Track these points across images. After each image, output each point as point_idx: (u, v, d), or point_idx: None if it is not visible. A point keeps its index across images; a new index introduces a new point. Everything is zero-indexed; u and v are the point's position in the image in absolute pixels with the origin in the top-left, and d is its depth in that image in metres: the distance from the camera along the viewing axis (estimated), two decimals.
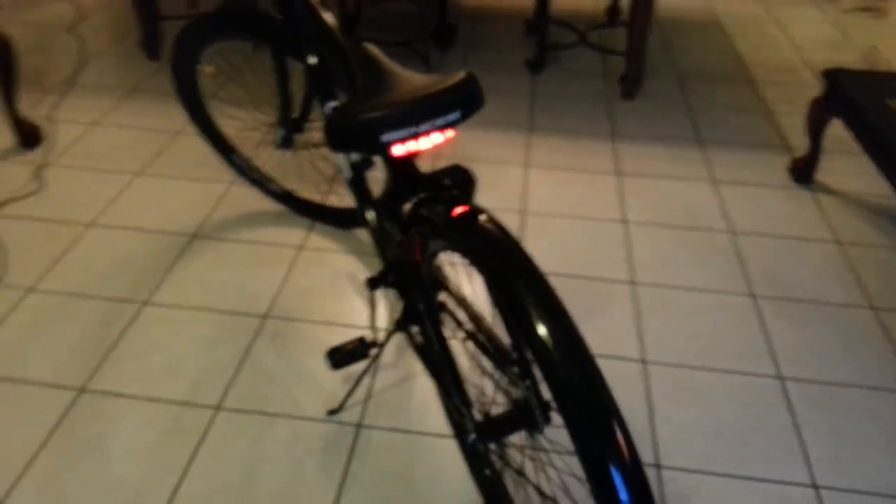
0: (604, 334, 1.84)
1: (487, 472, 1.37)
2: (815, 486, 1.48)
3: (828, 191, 2.39)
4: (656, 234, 2.19)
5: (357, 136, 1.11)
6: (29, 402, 1.61)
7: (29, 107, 2.72)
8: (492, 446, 1.33)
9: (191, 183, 2.35)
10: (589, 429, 0.87)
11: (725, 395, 1.68)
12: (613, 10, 3.63)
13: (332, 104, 1.57)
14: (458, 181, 1.31)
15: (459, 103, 1.13)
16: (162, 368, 1.70)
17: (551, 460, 1.48)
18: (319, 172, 2.38)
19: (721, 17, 3.74)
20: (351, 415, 1.60)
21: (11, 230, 2.13)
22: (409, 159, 1.28)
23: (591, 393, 0.89)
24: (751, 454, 1.55)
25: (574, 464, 1.35)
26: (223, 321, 1.84)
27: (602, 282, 2.01)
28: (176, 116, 2.69)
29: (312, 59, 1.63)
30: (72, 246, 2.08)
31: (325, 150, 2.40)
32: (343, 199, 2.29)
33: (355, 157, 1.55)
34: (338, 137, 1.13)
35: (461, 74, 1.16)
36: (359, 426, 1.58)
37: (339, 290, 1.94)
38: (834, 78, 2.26)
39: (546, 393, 0.96)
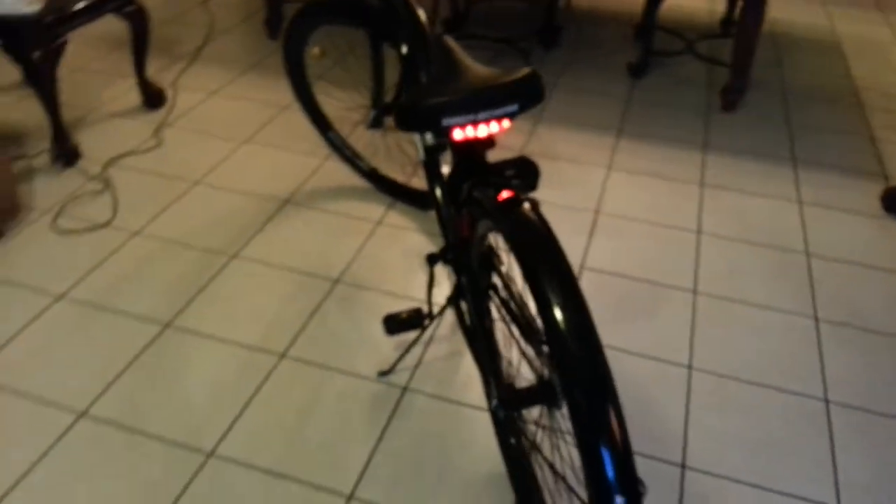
0: (655, 336, 1.87)
1: (512, 440, 1.45)
2: None
3: None
4: (728, 247, 2.19)
5: (421, 118, 1.21)
6: (121, 330, 1.82)
7: (157, 72, 2.99)
8: (515, 417, 1.41)
9: (290, 154, 2.54)
10: (586, 409, 0.94)
11: (766, 411, 1.68)
12: (728, 21, 3.58)
13: None
14: (521, 171, 1.39)
15: (518, 96, 1.21)
16: (240, 315, 1.88)
17: (566, 440, 1.54)
18: (406, 155, 2.51)
19: (842, 37, 3.61)
20: (399, 378, 1.72)
21: (127, 180, 2.37)
22: (471, 144, 1.37)
23: (593, 376, 0.96)
24: (780, 469, 1.55)
25: None
26: (300, 280, 2.00)
27: (663, 287, 2.03)
28: (285, 92, 2.90)
29: (404, 48, 1.74)
30: (177, 199, 2.30)
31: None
32: (424, 181, 2.41)
33: (429, 140, 1.66)
34: (405, 118, 1.24)
35: (525, 70, 1.24)
36: (405, 389, 1.70)
37: (408, 265, 2.06)
38: None
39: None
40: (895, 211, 2.34)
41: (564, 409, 1.18)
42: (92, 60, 3.09)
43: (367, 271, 2.04)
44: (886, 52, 3.47)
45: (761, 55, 3.41)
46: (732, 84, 2.88)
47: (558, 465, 1.48)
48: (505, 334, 1.68)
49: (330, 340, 1.82)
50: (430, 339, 1.83)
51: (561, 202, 2.36)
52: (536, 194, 2.34)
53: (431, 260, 1.59)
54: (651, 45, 3.13)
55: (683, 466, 1.55)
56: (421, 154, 1.68)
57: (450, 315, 1.89)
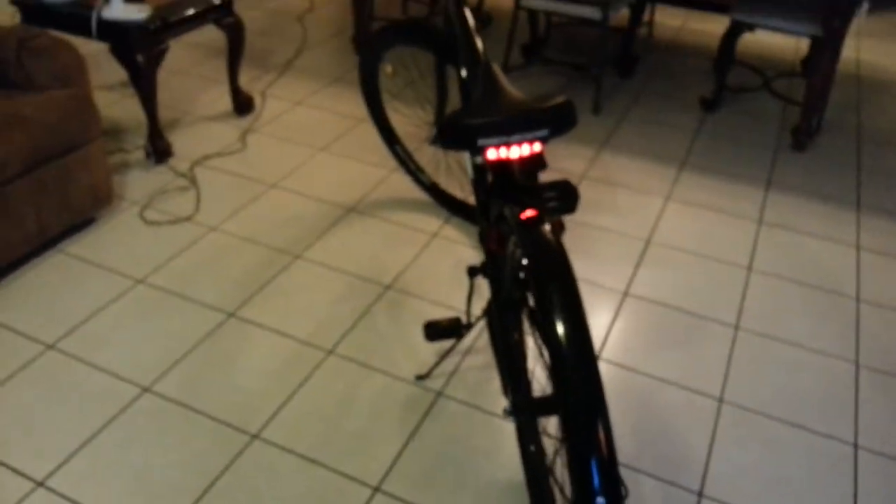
0: (689, 366, 1.90)
1: (532, 448, 1.52)
2: None
3: None
4: (777, 286, 2.19)
5: (459, 137, 1.31)
6: (190, 315, 2.00)
7: (249, 80, 3.21)
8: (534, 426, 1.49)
9: (360, 164, 2.69)
10: (576, 421, 1.02)
11: (793, 450, 1.69)
12: (809, 61, 3.54)
13: None
14: (560, 194, 1.46)
15: (550, 122, 1.29)
16: (296, 311, 2.02)
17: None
18: (464, 171, 2.62)
19: None
20: (435, 383, 1.82)
21: (211, 179, 2.57)
22: (506, 163, 1.45)
23: (586, 392, 1.03)
24: None
25: None
26: (354, 283, 2.13)
27: (705, 319, 2.06)
28: (362, 106, 3.06)
29: (463, 71, 1.86)
30: (253, 200, 2.48)
31: None
32: None
33: (478, 159, 1.76)
34: (445, 136, 1.34)
35: (560, 99, 1.33)
36: (439, 394, 1.80)
37: (457, 277, 2.16)
38: None
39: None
40: None
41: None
42: (190, 66, 3.34)
43: (417, 280, 2.15)
44: None
45: (841, 97, 3.36)
46: (803, 124, 2.86)
47: (558, 473, 1.54)
48: (532, 348, 1.76)
49: (375, 341, 1.94)
50: (469, 349, 1.92)
51: (614, 228, 2.41)
52: (592, 218, 2.42)
53: (472, 273, 1.69)
54: (725, 79, 3.14)
55: (700, 495, 1.59)
56: (470, 172, 1.79)
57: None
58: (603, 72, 3.19)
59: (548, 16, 3.53)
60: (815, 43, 3.49)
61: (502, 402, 1.78)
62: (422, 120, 2.56)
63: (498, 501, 1.56)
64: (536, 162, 1.50)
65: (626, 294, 2.15)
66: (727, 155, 2.86)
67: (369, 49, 2.29)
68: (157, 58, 2.53)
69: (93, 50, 2.41)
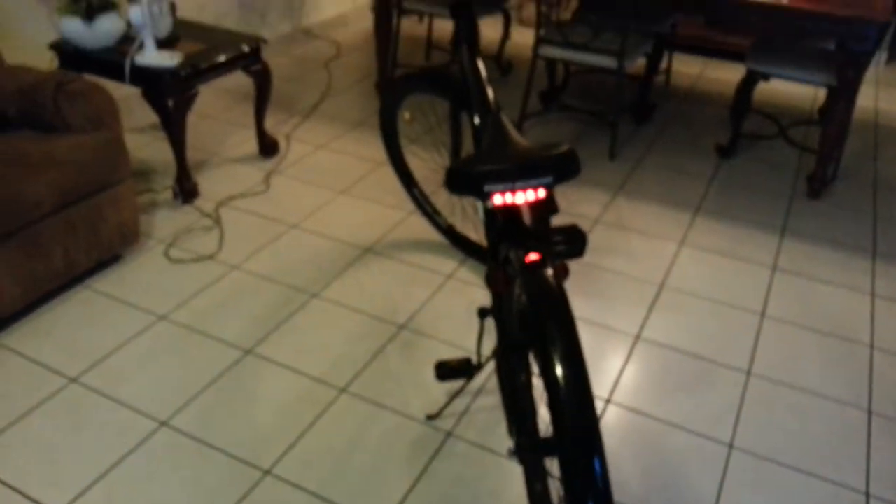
0: (700, 412, 1.91)
1: (538, 488, 1.53)
2: None
3: None
4: (790, 333, 2.20)
5: (467, 183, 1.36)
6: (208, 352, 2.05)
7: (274, 124, 3.31)
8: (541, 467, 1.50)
9: (378, 206, 2.75)
10: (572, 462, 1.04)
11: (803, 497, 1.68)
12: (827, 109, 3.57)
13: None
14: (568, 238, 1.49)
15: (553, 170, 1.34)
16: (312, 349, 2.07)
17: None
18: (479, 214, 2.67)
19: None
20: (445, 423, 1.85)
21: (235, 219, 2.65)
22: (513, 208, 1.50)
23: (583, 433, 1.06)
24: None
25: None
26: (368, 323, 2.17)
27: (717, 365, 2.07)
28: (383, 150, 3.13)
29: (476, 119, 1.92)
30: (275, 240, 2.54)
31: None
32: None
33: (487, 203, 1.81)
34: (454, 182, 1.39)
35: (564, 147, 1.37)
36: (448, 434, 1.82)
37: (470, 318, 2.20)
38: None
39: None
40: None
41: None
42: (219, 110, 3.46)
43: (431, 320, 2.19)
44: None
45: (857, 145, 3.39)
46: (818, 172, 2.88)
47: None
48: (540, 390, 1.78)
49: (387, 381, 1.97)
50: (480, 389, 1.95)
51: (628, 272, 2.44)
52: (606, 261, 2.45)
53: (482, 314, 1.73)
54: (741, 126, 3.18)
55: None
56: (481, 215, 1.83)
57: None
58: (619, 118, 3.25)
59: (565, 64, 3.61)
60: (831, 92, 3.53)
61: (509, 443, 1.79)
62: (438, 164, 2.63)
63: None
64: (545, 207, 1.54)
65: (638, 338, 2.16)
66: (742, 201, 2.88)
67: (389, 96, 2.37)
68: (187, 102, 2.63)
69: (126, 94, 2.52)
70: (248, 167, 2.99)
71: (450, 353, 2.07)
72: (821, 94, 3.83)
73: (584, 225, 2.69)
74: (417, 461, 1.74)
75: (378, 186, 2.89)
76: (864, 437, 1.84)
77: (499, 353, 1.62)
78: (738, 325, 2.22)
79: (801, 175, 3.08)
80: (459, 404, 1.90)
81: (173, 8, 2.88)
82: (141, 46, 2.56)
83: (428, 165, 2.74)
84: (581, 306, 2.27)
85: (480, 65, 1.85)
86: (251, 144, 3.13)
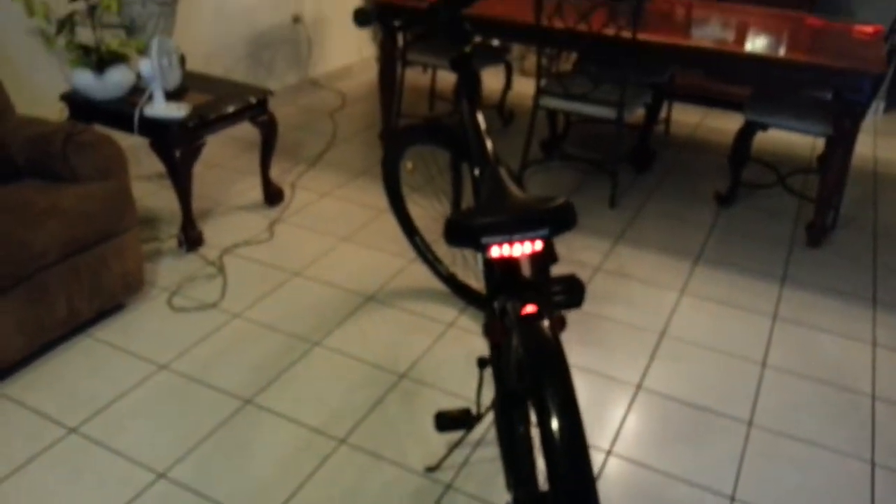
0: (701, 463, 1.89)
1: None
2: None
3: None
4: (791, 383, 2.19)
5: (465, 235, 1.38)
6: (208, 402, 2.05)
7: (280, 173, 3.36)
8: None
9: (380, 254, 2.78)
10: None
11: None
12: (825, 158, 3.61)
13: None
14: (567, 288, 1.51)
15: (550, 222, 1.36)
16: (311, 399, 2.07)
17: None
18: (479, 264, 2.68)
19: None
20: (444, 475, 1.84)
21: (238, 266, 2.67)
22: (510, 260, 1.51)
23: (577, 487, 1.06)
24: None
25: None
26: (369, 371, 2.17)
27: (718, 415, 2.06)
28: (385, 199, 3.17)
29: (476, 170, 1.95)
30: (277, 288, 2.56)
31: None
32: None
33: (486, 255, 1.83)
34: (450, 234, 1.41)
35: (560, 200, 1.39)
36: (448, 486, 1.81)
37: (470, 367, 2.20)
38: None
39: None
40: None
41: None
42: (225, 159, 3.51)
43: (431, 369, 2.19)
44: None
45: (857, 194, 3.41)
46: (818, 220, 2.90)
47: None
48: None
49: (387, 431, 1.96)
50: (480, 440, 1.94)
51: (628, 320, 2.44)
52: (606, 310, 2.45)
53: (482, 364, 1.73)
54: (740, 175, 3.21)
55: None
56: (480, 266, 1.85)
57: None
58: (619, 167, 3.29)
59: (566, 114, 3.67)
60: (829, 141, 3.57)
61: (507, 497, 1.78)
62: (439, 213, 2.66)
63: None
64: (543, 258, 1.56)
65: (639, 387, 2.16)
66: (742, 250, 2.90)
67: (391, 146, 2.41)
68: (194, 153, 2.68)
69: (134, 143, 2.57)
70: (253, 215, 3.03)
71: (450, 403, 2.07)
72: (819, 142, 3.87)
73: (584, 273, 2.70)
74: None
75: (380, 234, 2.91)
76: (868, 489, 1.82)
77: (496, 405, 1.62)
78: (739, 375, 2.22)
79: (801, 223, 3.10)
80: (459, 455, 1.89)
81: (183, 60, 2.95)
82: (150, 98, 2.62)
83: (429, 214, 2.77)
84: (582, 355, 2.28)
85: (480, 118, 1.88)
86: (256, 193, 3.17)
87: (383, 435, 1.95)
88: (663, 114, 3.95)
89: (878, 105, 4.40)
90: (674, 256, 2.84)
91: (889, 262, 2.84)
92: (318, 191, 3.26)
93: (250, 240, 2.85)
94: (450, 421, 1.77)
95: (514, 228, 1.34)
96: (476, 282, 2.56)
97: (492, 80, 4.49)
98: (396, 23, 2.02)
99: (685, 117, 4.30)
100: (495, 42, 4.02)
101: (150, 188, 3.15)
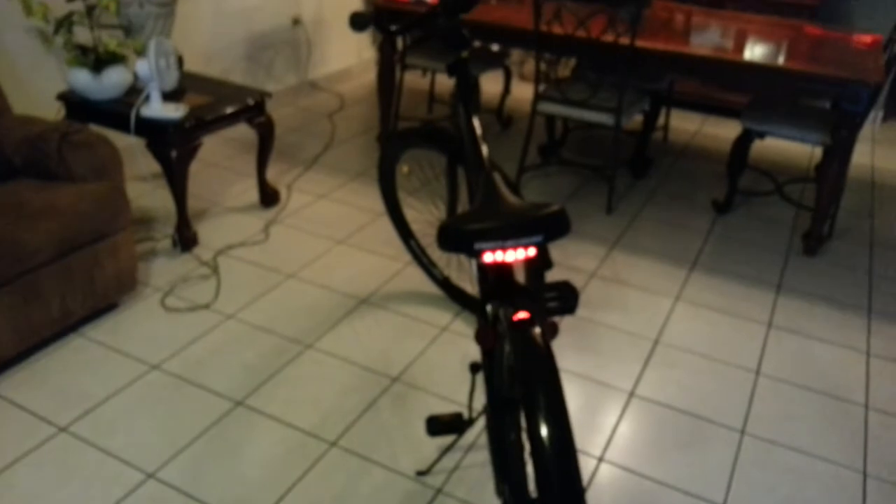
0: (693, 471, 1.89)
1: None
2: None
3: None
4: (785, 391, 2.18)
5: (457, 240, 1.37)
6: (199, 403, 2.04)
7: (277, 174, 3.36)
8: None
9: (376, 257, 2.77)
10: None
11: None
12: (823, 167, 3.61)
13: None
14: (560, 295, 1.50)
15: (543, 229, 1.35)
16: (303, 401, 2.06)
17: None
18: (473, 269, 2.68)
19: None
20: (435, 479, 1.83)
21: (232, 268, 2.67)
22: (503, 266, 1.51)
23: (566, 494, 1.06)
24: None
25: None
26: (361, 375, 2.17)
27: (710, 423, 2.05)
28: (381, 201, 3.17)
29: (471, 175, 1.94)
30: (271, 289, 2.56)
31: None
32: None
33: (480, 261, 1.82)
34: (443, 239, 1.40)
35: (555, 207, 1.39)
36: (438, 491, 1.80)
37: (463, 372, 2.19)
38: None
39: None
40: None
41: None
42: (222, 159, 3.51)
43: (424, 373, 2.18)
44: None
45: (854, 203, 3.41)
46: (814, 229, 2.90)
47: None
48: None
49: (378, 434, 1.96)
50: (471, 445, 1.93)
51: (622, 326, 2.44)
52: (600, 316, 2.45)
53: (474, 369, 1.72)
54: (737, 183, 3.21)
55: None
56: (474, 272, 1.85)
57: None
58: (617, 173, 3.29)
59: (564, 120, 3.67)
60: (827, 150, 3.57)
61: (497, 503, 1.77)
62: (435, 217, 2.66)
63: None
64: (537, 264, 1.55)
65: (632, 394, 2.15)
66: (738, 257, 2.89)
67: (387, 150, 2.40)
68: (190, 154, 2.68)
69: (130, 143, 2.56)
70: (249, 217, 3.03)
71: (442, 407, 2.06)
72: (817, 151, 3.87)
73: (579, 278, 2.70)
74: None
75: (376, 237, 2.91)
76: (860, 500, 1.82)
77: (488, 411, 1.61)
78: (733, 383, 2.21)
79: (797, 232, 3.10)
80: (450, 460, 1.88)
81: (181, 61, 2.95)
82: (147, 98, 2.62)
83: (425, 218, 2.77)
84: (575, 361, 2.27)
85: (476, 123, 1.88)
86: (252, 194, 3.17)
87: (374, 438, 1.95)
88: (661, 120, 3.95)
89: (875, 114, 4.40)
90: (670, 263, 2.83)
91: (885, 271, 2.84)
92: (315, 193, 3.25)
93: (245, 241, 2.85)
94: (441, 426, 1.77)
95: (507, 234, 1.33)
96: (471, 286, 2.56)
97: (491, 84, 4.49)
98: (393, 27, 2.02)
99: (683, 124, 4.30)
100: (494, 47, 4.03)
101: (145, 188, 3.15)
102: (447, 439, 1.94)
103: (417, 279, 2.64)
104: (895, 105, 4.38)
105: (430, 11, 1.95)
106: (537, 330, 1.27)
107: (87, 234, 2.21)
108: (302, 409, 2.03)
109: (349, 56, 4.74)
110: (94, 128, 2.47)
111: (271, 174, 3.23)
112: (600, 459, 1.92)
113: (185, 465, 1.84)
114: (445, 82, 4.53)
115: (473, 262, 1.84)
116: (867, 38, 3.13)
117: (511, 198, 1.49)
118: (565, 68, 4.51)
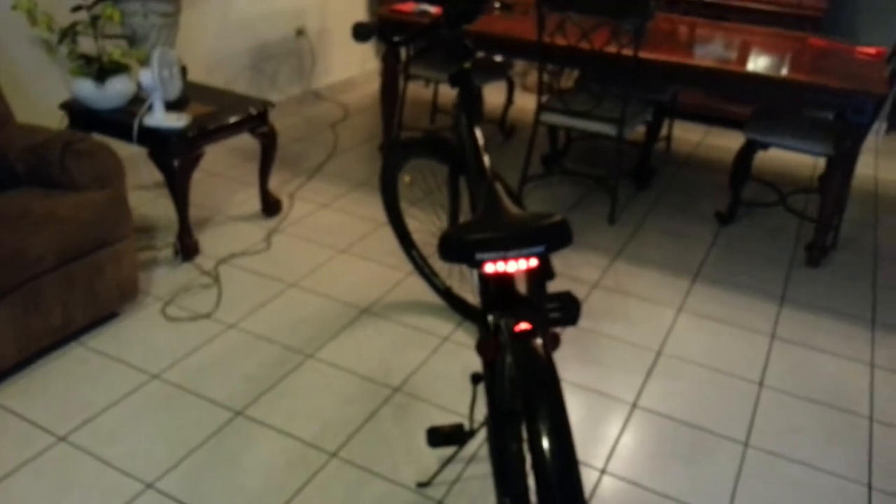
0: (696, 484, 1.87)
1: None
2: None
3: None
4: (788, 403, 2.17)
5: (459, 251, 1.37)
6: (199, 413, 2.03)
7: (279, 183, 3.36)
8: None
9: (378, 266, 2.77)
10: None
11: None
12: (826, 178, 3.60)
13: None
14: (562, 305, 1.49)
15: (545, 240, 1.34)
16: (303, 411, 2.05)
17: None
18: (474, 279, 2.67)
19: None
20: (436, 491, 1.81)
21: (234, 277, 2.66)
22: (505, 277, 1.50)
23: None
24: None
25: None
26: (362, 385, 2.16)
27: (714, 435, 2.04)
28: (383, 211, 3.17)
29: (473, 186, 1.94)
30: (272, 299, 2.55)
31: None
32: None
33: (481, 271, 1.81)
34: (445, 250, 1.40)
35: (556, 217, 1.38)
36: (439, 503, 1.78)
37: (465, 382, 2.18)
38: None
39: None
40: None
41: None
42: (225, 168, 3.51)
43: (425, 383, 2.17)
44: None
45: (858, 214, 3.40)
46: (818, 240, 2.89)
47: None
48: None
49: (379, 445, 1.94)
50: (472, 456, 1.92)
51: (625, 337, 2.42)
52: (603, 326, 2.43)
53: (475, 379, 1.71)
54: (740, 194, 3.20)
55: None
56: (475, 282, 1.84)
57: None
58: (620, 183, 3.28)
59: (567, 130, 3.67)
60: (830, 161, 3.57)
61: None
62: (437, 227, 2.66)
63: None
64: (539, 274, 1.54)
65: (634, 406, 2.14)
66: (741, 268, 2.88)
67: (389, 160, 2.40)
68: (192, 163, 2.68)
69: (133, 152, 2.57)
70: (250, 226, 3.02)
71: (443, 418, 2.05)
72: (821, 162, 3.87)
73: (582, 289, 2.69)
74: None
75: (378, 247, 2.90)
76: None
77: (489, 422, 1.60)
78: (736, 395, 2.20)
79: (801, 243, 3.09)
80: (451, 472, 1.87)
81: (184, 71, 2.96)
82: (150, 108, 2.62)
83: (427, 228, 2.76)
84: (577, 372, 2.26)
85: (478, 133, 1.88)
86: (254, 203, 3.17)
87: (375, 449, 1.93)
88: (665, 131, 3.95)
89: (879, 126, 4.40)
90: (672, 274, 2.82)
91: (888, 283, 2.82)
92: (317, 202, 3.25)
93: (247, 250, 2.85)
94: (442, 437, 1.75)
95: (509, 245, 1.33)
96: (472, 296, 2.55)
97: (494, 95, 4.49)
98: (396, 38, 2.02)
99: (687, 135, 4.30)
100: (497, 58, 4.03)
101: (147, 197, 3.15)
102: (448, 451, 1.93)
103: (419, 289, 2.63)
104: None
105: (433, 22, 1.95)
106: (539, 341, 1.26)
107: (89, 243, 2.21)
108: (302, 419, 2.02)
109: (352, 66, 4.75)
110: (97, 137, 2.47)
111: (273, 183, 3.23)
112: (603, 471, 1.90)
113: (184, 475, 1.83)
114: (448, 93, 4.53)
115: (475, 273, 1.83)
116: (871, 50, 3.13)
117: (513, 208, 1.49)
118: (568, 79, 4.52)
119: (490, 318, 1.54)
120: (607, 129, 3.08)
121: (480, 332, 1.74)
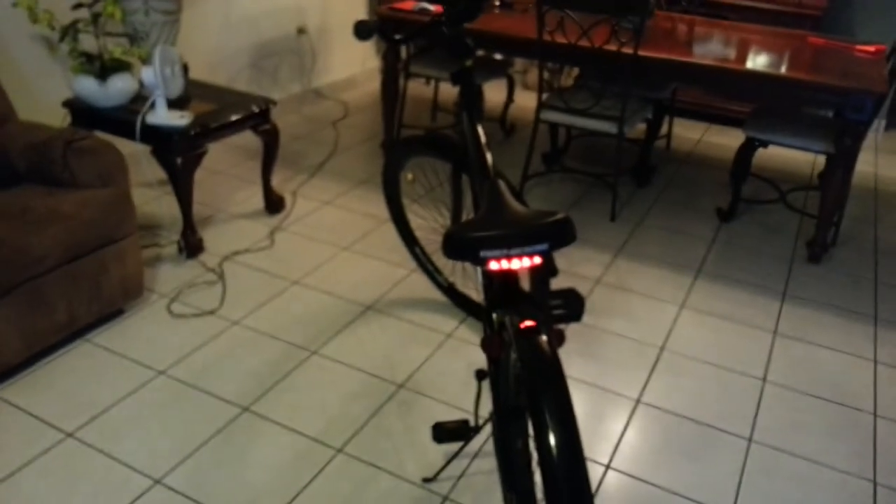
0: (701, 479, 1.88)
1: None
2: None
3: None
4: (792, 399, 2.18)
5: (463, 249, 1.37)
6: (205, 409, 2.04)
7: (281, 181, 3.36)
8: None
9: (381, 263, 2.77)
10: None
11: None
12: (826, 175, 3.61)
13: None
14: (566, 302, 1.50)
15: (549, 237, 1.35)
16: (309, 408, 2.06)
17: None
18: (478, 276, 2.68)
19: None
20: (441, 487, 1.82)
21: (238, 274, 2.67)
22: (509, 274, 1.50)
23: (577, 503, 1.06)
24: None
25: None
26: (367, 381, 2.16)
27: (718, 431, 2.05)
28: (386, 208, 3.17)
29: (476, 183, 1.95)
30: (276, 296, 2.55)
31: None
32: None
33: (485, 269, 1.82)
34: (449, 247, 1.40)
35: (560, 215, 1.39)
36: (445, 498, 1.79)
37: (469, 378, 2.19)
38: None
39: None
40: None
41: None
42: (227, 166, 3.52)
43: (430, 380, 2.18)
44: None
45: (858, 211, 3.41)
46: (818, 237, 2.90)
47: None
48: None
49: (384, 441, 1.95)
50: (478, 452, 1.93)
51: (628, 334, 2.43)
52: (606, 323, 2.45)
53: (480, 376, 1.72)
54: (741, 191, 3.21)
55: None
56: (479, 279, 1.85)
57: None
58: (620, 181, 3.29)
59: (567, 128, 3.68)
60: (830, 158, 3.58)
61: None
62: (440, 224, 2.66)
63: None
64: (542, 272, 1.55)
65: (638, 401, 2.15)
66: (742, 265, 2.90)
67: (392, 157, 2.41)
68: (195, 161, 2.68)
69: (136, 149, 2.57)
70: (254, 223, 3.03)
71: (448, 414, 2.06)
72: (821, 159, 3.88)
73: (584, 286, 2.70)
74: None
75: (381, 244, 2.91)
76: None
77: (494, 419, 1.61)
78: (740, 390, 2.21)
79: (801, 239, 3.10)
80: (456, 467, 1.88)
81: (186, 69, 2.96)
82: (152, 106, 2.62)
83: (430, 225, 2.77)
84: (581, 368, 2.27)
85: (480, 131, 1.88)
86: (257, 200, 3.17)
87: (381, 445, 1.94)
88: (665, 129, 3.96)
89: (879, 123, 4.41)
90: (674, 270, 2.83)
91: (890, 279, 2.84)
92: (320, 199, 3.26)
93: (250, 247, 2.85)
94: (447, 433, 1.76)
95: (513, 243, 1.33)
96: (476, 293, 2.56)
97: (494, 93, 4.50)
98: (397, 36, 2.03)
99: (687, 132, 4.31)
100: (498, 56, 4.04)
101: (151, 194, 3.15)
102: (453, 446, 1.93)
103: (422, 286, 2.64)
104: None
105: (434, 20, 1.96)
106: (544, 337, 1.26)
107: (93, 241, 2.21)
108: (308, 415, 2.03)
109: (353, 65, 4.75)
110: (100, 135, 2.47)
111: (276, 181, 3.24)
112: (607, 467, 1.91)
113: (191, 470, 1.83)
114: (449, 91, 4.54)
115: (479, 270, 1.84)
116: (871, 48, 3.14)
117: (516, 206, 1.49)
118: (569, 77, 4.53)
119: (494, 315, 1.55)
120: (607, 126, 3.09)
121: (485, 329, 1.75)
